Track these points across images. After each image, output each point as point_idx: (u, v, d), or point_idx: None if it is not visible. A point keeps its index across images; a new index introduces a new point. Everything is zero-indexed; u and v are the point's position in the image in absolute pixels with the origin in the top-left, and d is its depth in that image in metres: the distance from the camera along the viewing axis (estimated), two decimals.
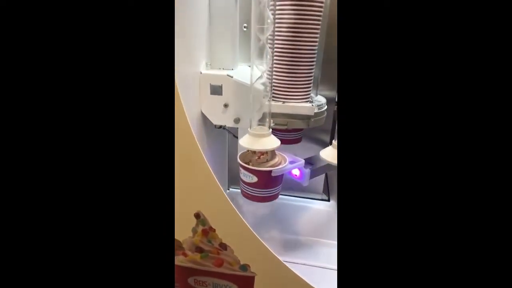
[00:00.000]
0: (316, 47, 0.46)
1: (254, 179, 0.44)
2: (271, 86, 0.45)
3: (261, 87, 0.43)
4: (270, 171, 0.43)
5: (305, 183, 0.48)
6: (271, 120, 0.46)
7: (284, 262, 0.37)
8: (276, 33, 0.44)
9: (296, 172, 0.48)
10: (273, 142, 0.43)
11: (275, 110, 0.47)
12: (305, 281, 0.35)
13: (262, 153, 0.44)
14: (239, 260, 0.37)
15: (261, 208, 0.70)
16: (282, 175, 0.46)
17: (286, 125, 0.49)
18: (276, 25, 0.43)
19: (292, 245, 0.60)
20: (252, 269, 0.37)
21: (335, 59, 0.36)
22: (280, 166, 0.44)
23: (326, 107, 0.51)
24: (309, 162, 0.50)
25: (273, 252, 0.35)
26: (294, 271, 0.36)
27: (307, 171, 0.47)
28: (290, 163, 0.46)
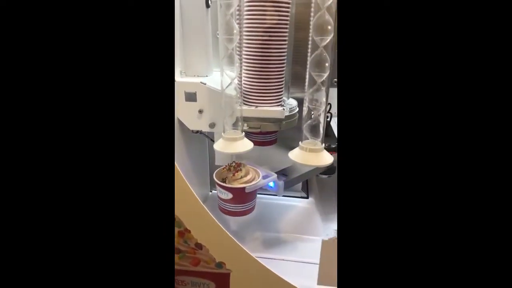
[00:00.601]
0: (285, 52, 0.49)
1: (230, 195, 0.47)
2: (242, 92, 0.47)
3: (234, 93, 0.46)
4: (244, 188, 0.46)
5: (280, 194, 0.52)
6: (245, 124, 0.49)
7: (264, 259, 0.39)
8: (245, 41, 0.46)
9: (271, 184, 0.52)
10: (245, 145, 0.46)
11: (248, 114, 0.49)
12: (275, 274, 0.37)
13: (237, 170, 0.48)
14: (214, 258, 0.39)
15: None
16: (256, 190, 0.49)
17: (259, 128, 0.51)
18: (245, 32, 0.45)
19: (273, 242, 0.62)
20: (228, 266, 0.40)
21: (305, 60, 0.39)
22: (253, 182, 0.48)
23: (297, 109, 0.54)
24: (283, 173, 0.53)
25: (245, 249, 0.38)
26: (274, 266, 0.38)
27: (281, 183, 0.50)
28: (264, 178, 0.50)
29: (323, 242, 0.36)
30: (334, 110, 0.86)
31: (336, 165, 0.64)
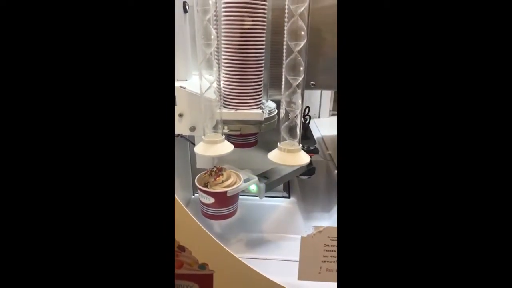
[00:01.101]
0: (263, 56, 0.50)
1: (212, 200, 0.48)
2: (221, 95, 0.48)
3: (213, 96, 0.46)
4: (226, 192, 0.47)
5: (261, 197, 0.52)
6: (225, 127, 0.50)
7: (248, 259, 0.40)
8: (223, 45, 0.47)
9: (252, 187, 0.53)
10: (226, 147, 0.47)
11: (228, 117, 0.50)
12: (258, 272, 0.38)
13: (218, 174, 0.49)
14: (197, 260, 0.40)
15: None
16: (238, 193, 0.50)
17: (239, 130, 0.52)
18: (223, 37, 0.46)
19: (256, 242, 0.63)
20: (210, 267, 0.40)
21: (281, 62, 0.40)
22: (234, 186, 0.48)
23: (276, 111, 0.55)
24: (264, 176, 0.54)
25: (227, 249, 0.38)
26: (257, 266, 0.39)
27: (262, 185, 0.52)
28: (245, 181, 0.51)
29: (302, 238, 0.38)
30: (315, 112, 0.88)
31: (315, 166, 0.67)
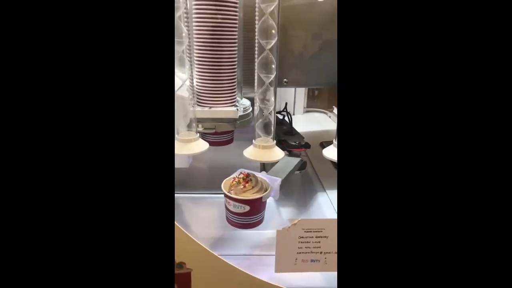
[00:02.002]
0: (236, 52, 0.50)
1: (247, 208, 0.45)
2: (194, 93, 0.48)
3: (186, 94, 0.46)
4: (261, 198, 0.46)
5: (276, 197, 0.50)
6: (200, 125, 0.49)
7: (225, 255, 0.40)
8: (195, 42, 0.47)
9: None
10: (201, 146, 0.46)
11: (202, 115, 0.50)
12: (235, 268, 0.39)
13: (247, 181, 0.46)
14: (174, 259, 0.39)
15: (205, 210, 0.72)
16: None
17: (214, 128, 0.52)
18: (195, 34, 0.46)
19: (233, 239, 0.64)
20: (188, 265, 0.40)
21: (254, 59, 0.40)
22: (268, 191, 0.46)
23: (251, 109, 0.56)
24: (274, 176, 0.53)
25: (204, 246, 0.39)
26: (231, 261, 0.40)
27: (276, 185, 0.50)
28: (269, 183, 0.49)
29: (278, 232, 0.39)
30: (289, 109, 0.88)
31: (306, 160, 0.68)
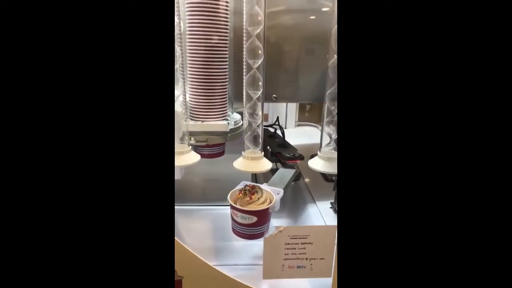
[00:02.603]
0: (227, 70, 0.53)
1: (254, 219, 0.46)
2: (187, 108, 0.50)
3: (179, 109, 0.49)
4: (268, 209, 0.47)
5: (277, 208, 0.51)
6: (192, 138, 0.52)
7: (217, 266, 0.41)
8: (188, 60, 0.50)
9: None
10: (193, 158, 0.49)
11: (195, 129, 0.53)
12: (225, 275, 0.40)
13: (253, 193, 0.48)
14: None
15: (197, 221, 0.74)
16: None
17: (206, 141, 0.55)
18: (188, 53, 0.49)
19: (223, 250, 0.65)
20: (179, 273, 0.41)
21: (242, 75, 0.43)
22: (273, 202, 0.48)
23: (241, 122, 0.59)
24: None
25: (195, 254, 0.40)
26: (223, 270, 0.41)
27: (278, 197, 0.51)
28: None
29: (265, 239, 0.40)
30: (281, 123, 0.91)
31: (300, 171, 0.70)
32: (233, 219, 0.49)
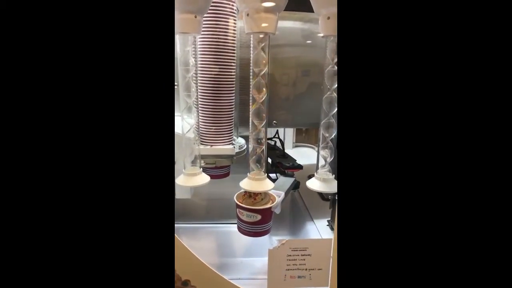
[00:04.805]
0: (233, 100, 0.61)
1: (258, 217, 0.53)
2: (198, 134, 0.57)
3: (192, 135, 0.55)
4: (271, 207, 0.54)
5: (278, 210, 0.58)
6: (202, 161, 0.58)
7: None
8: (200, 92, 0.57)
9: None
10: (204, 179, 0.55)
11: (205, 152, 0.59)
12: (236, 286, 0.45)
13: (257, 194, 0.55)
14: (180, 277, 0.45)
15: (203, 239, 0.79)
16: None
17: (215, 163, 0.61)
18: (199, 85, 0.57)
19: (229, 265, 0.70)
20: (193, 283, 0.46)
21: (247, 103, 0.50)
22: (275, 202, 0.55)
23: (246, 146, 0.65)
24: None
25: (207, 265, 0.45)
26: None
27: (279, 200, 0.58)
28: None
29: (269, 251, 0.46)
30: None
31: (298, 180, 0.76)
32: (239, 218, 0.55)
